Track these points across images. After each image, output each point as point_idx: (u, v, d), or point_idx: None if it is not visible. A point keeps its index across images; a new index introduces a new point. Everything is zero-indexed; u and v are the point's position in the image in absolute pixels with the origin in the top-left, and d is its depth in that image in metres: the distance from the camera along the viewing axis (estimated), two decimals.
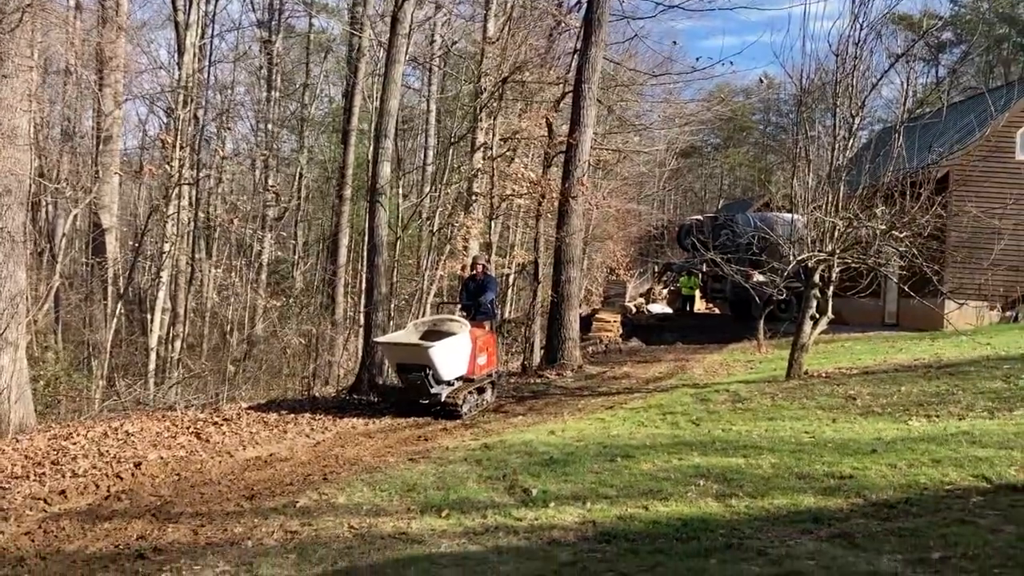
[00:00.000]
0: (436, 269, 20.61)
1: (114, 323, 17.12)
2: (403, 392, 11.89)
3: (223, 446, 9.61)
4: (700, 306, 32.13)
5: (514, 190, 19.56)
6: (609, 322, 24.48)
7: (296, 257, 28.67)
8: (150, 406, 13.58)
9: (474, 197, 21.58)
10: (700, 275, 28.46)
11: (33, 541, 6.10)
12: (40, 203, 19.07)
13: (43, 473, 8.15)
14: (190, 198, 22.04)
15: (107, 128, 20.03)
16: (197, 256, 23.89)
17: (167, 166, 18.77)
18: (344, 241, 24.44)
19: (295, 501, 6.70)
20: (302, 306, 24.54)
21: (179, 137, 18.72)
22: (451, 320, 12.47)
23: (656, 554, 5.14)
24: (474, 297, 12.80)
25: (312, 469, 8.15)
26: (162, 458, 8.84)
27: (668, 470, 7.14)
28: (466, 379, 11.78)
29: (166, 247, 18.76)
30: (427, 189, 23.45)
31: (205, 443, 9.73)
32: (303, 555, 5.46)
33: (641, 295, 35.74)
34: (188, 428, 10.46)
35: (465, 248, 20.83)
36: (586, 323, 23.15)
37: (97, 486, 7.68)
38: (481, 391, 12.27)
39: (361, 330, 18.35)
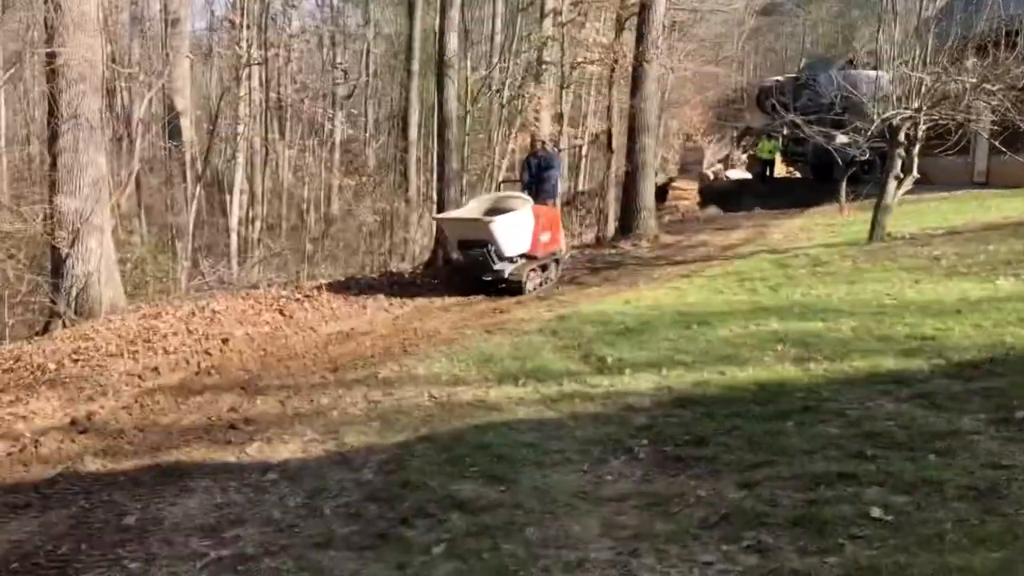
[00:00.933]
0: (507, 142, 20.38)
1: (194, 205, 17.49)
2: (466, 270, 11.69)
3: (306, 322, 9.88)
4: (780, 170, 31.27)
5: (586, 57, 19.00)
6: (686, 191, 24.07)
7: (367, 135, 28.62)
8: (234, 285, 13.94)
9: (544, 66, 21.02)
10: (780, 138, 27.57)
11: (130, 414, 6.41)
12: (115, 89, 19.28)
13: (136, 351, 8.48)
14: (260, 78, 22.05)
15: (175, 11, 20.00)
16: (271, 137, 24.04)
17: (236, 47, 18.74)
18: (414, 117, 24.25)
19: (377, 372, 6.88)
20: (375, 184, 24.63)
21: (245, 17, 18.58)
22: (513, 197, 12.13)
23: (732, 417, 5.16)
24: (536, 176, 12.53)
25: (392, 342, 8.34)
26: (248, 334, 9.13)
27: (745, 336, 7.10)
28: (528, 257, 11.45)
29: (240, 128, 18.92)
30: (496, 60, 22.96)
31: (288, 319, 10.00)
32: (386, 423, 5.63)
33: (719, 161, 34.89)
34: (271, 305, 10.72)
35: (536, 120, 20.47)
36: (662, 192, 22.76)
37: (187, 362, 7.99)
38: (544, 268, 11.97)
39: (434, 207, 18.42)
